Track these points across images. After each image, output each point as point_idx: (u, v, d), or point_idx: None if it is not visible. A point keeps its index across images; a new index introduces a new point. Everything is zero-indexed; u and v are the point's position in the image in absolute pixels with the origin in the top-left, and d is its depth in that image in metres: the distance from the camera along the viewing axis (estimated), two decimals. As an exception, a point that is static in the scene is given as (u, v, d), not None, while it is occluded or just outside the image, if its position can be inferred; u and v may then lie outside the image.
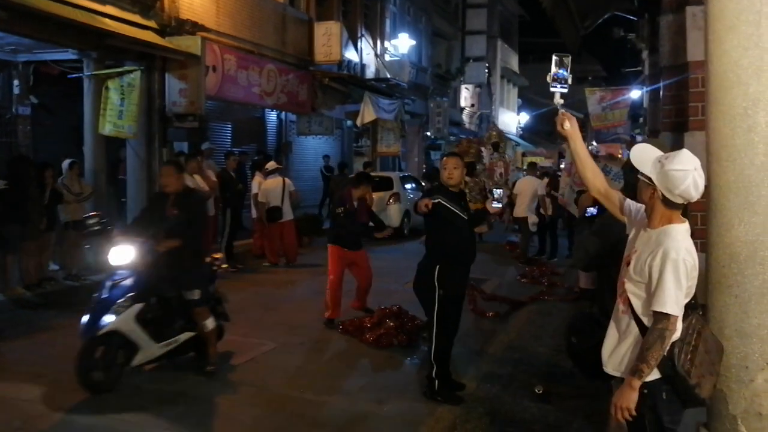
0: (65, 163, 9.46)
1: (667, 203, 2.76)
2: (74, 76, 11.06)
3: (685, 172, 2.67)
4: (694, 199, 2.75)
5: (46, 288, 8.76)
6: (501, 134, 18.67)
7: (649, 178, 2.77)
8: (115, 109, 10.57)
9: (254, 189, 11.80)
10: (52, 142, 12.07)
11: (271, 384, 5.64)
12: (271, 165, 12.02)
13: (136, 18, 11.12)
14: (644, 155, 2.85)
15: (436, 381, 5.30)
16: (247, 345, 6.71)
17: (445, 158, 5.59)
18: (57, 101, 12.34)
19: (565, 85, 3.24)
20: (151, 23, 11.45)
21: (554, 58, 3.27)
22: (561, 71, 3.23)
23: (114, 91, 10.63)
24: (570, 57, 3.28)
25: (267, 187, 11.56)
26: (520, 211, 12.90)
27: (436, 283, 5.24)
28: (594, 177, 3.17)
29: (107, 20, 10.26)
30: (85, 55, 10.62)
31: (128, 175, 11.74)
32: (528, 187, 13.04)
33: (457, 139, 24.11)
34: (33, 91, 11.63)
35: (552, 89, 3.24)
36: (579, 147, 3.15)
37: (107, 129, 10.62)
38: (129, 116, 10.60)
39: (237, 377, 5.80)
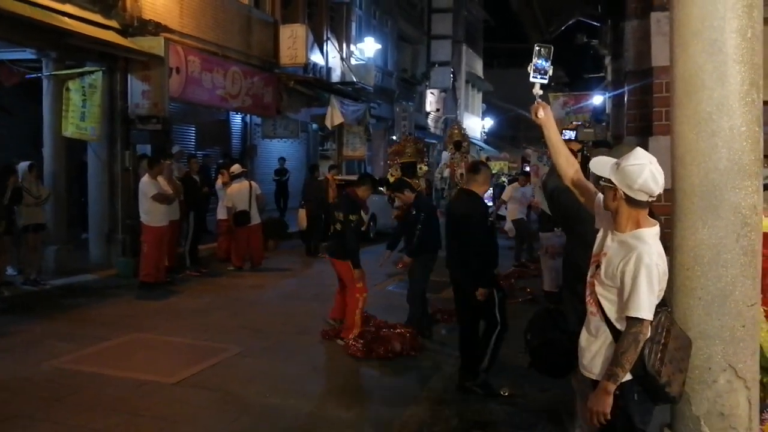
0: (23, 165, 9.21)
1: (631, 202, 2.78)
2: (32, 76, 10.78)
3: (640, 166, 2.72)
4: (656, 193, 2.77)
5: (4, 293, 8.52)
6: (463, 133, 18.27)
7: (609, 180, 2.80)
8: (77, 110, 10.31)
9: (228, 202, 11.50)
10: (9, 144, 11.76)
11: (235, 389, 5.56)
12: (236, 168, 11.90)
13: (97, 17, 10.88)
14: (602, 162, 2.91)
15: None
16: (210, 349, 6.62)
17: (486, 172, 5.73)
18: (15, 102, 12.02)
19: (546, 76, 3.20)
20: (113, 23, 11.22)
21: (535, 48, 3.21)
22: (541, 61, 3.21)
23: (75, 92, 10.37)
24: (551, 48, 3.22)
25: (233, 190, 11.44)
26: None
27: (494, 287, 5.42)
28: (567, 165, 3.19)
29: (67, 19, 10.02)
30: (44, 55, 10.34)
31: (89, 177, 11.48)
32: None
33: (398, 139, 23.28)
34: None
35: (532, 80, 3.20)
36: (553, 134, 3.17)
37: (70, 131, 10.36)
38: (91, 118, 10.33)
39: (200, 382, 5.70)
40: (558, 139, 3.21)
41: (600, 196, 3.02)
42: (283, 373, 6.11)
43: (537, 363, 3.79)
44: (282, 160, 18.18)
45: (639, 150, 2.82)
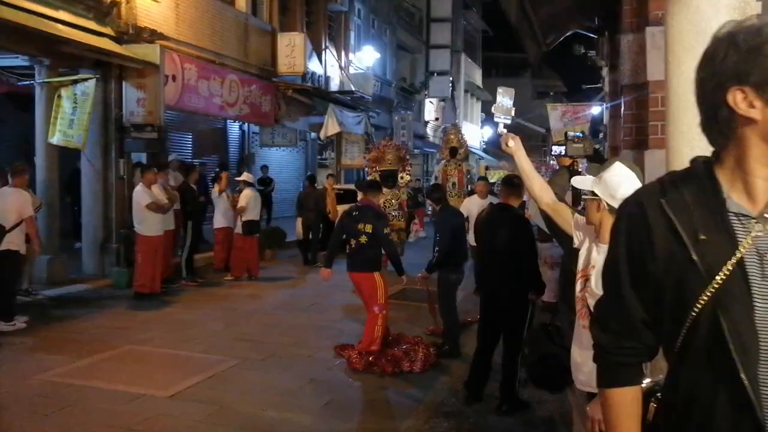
0: (13, 174, 9.13)
1: (614, 212, 2.81)
2: (25, 83, 10.73)
3: (621, 177, 2.83)
4: None
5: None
6: (461, 138, 16.69)
7: (593, 192, 2.90)
8: (66, 117, 10.14)
9: (242, 201, 11.47)
10: (0, 153, 11.71)
11: (232, 402, 5.50)
12: (249, 177, 11.92)
13: (92, 24, 10.82)
14: (584, 179, 3.06)
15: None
16: (206, 362, 6.56)
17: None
18: (6, 110, 11.98)
19: (509, 117, 3.35)
20: (108, 30, 11.15)
21: (498, 90, 3.39)
22: (505, 99, 3.35)
23: (67, 99, 10.20)
24: (513, 90, 3.39)
25: (249, 195, 11.42)
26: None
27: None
28: (541, 190, 3.31)
29: (60, 26, 9.95)
30: (37, 62, 10.27)
31: (83, 186, 11.41)
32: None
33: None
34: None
35: (496, 119, 3.34)
36: (524, 163, 3.31)
37: (56, 138, 10.16)
38: (80, 126, 10.15)
39: (195, 395, 5.64)
40: (530, 168, 3.35)
41: (577, 216, 3.15)
42: (281, 385, 6.04)
43: (534, 377, 3.81)
44: (265, 168, 17.55)
45: (618, 163, 2.95)
